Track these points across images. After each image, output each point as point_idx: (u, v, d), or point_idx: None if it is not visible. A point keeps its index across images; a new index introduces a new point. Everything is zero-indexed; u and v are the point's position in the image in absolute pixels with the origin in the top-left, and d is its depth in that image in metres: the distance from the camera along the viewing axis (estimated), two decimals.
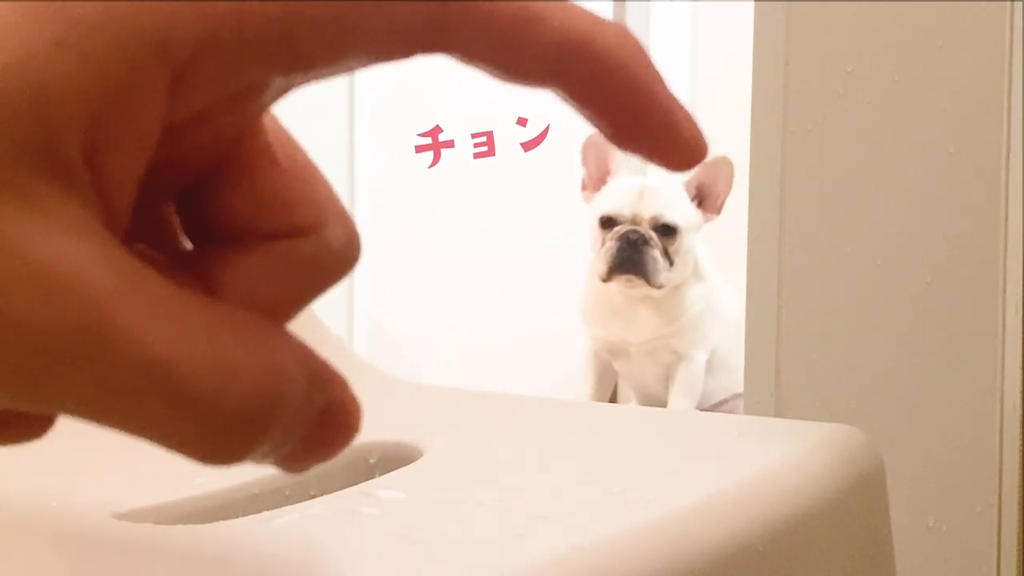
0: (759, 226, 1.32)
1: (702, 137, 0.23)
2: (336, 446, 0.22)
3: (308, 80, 0.21)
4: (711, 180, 2.12)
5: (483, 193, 3.00)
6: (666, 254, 2.11)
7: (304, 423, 0.21)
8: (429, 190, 2.93)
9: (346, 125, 2.79)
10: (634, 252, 2.09)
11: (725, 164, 2.11)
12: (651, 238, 2.10)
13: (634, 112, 0.22)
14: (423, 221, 2.96)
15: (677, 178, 2.12)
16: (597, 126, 0.23)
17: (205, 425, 0.19)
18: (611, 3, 2.79)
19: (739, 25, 1.83)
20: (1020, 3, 1.18)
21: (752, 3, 1.34)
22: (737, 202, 1.46)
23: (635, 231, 2.10)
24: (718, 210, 2.13)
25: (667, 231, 2.10)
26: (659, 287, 2.12)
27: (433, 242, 2.97)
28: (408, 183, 2.91)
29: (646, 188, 2.12)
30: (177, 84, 0.19)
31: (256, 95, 0.21)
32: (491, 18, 0.21)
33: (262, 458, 0.21)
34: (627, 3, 2.75)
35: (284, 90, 0.21)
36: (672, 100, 0.22)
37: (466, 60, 0.21)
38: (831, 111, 1.28)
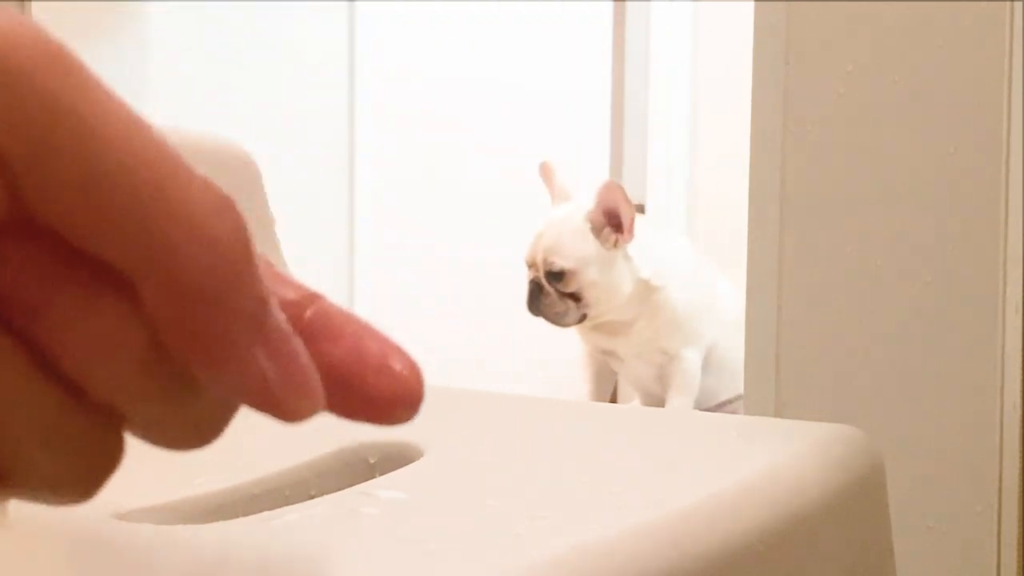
0: (759, 226, 1.32)
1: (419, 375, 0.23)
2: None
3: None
4: (612, 204, 2.11)
5: (483, 194, 3.00)
6: (569, 295, 2.11)
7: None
8: (429, 190, 2.93)
9: (346, 125, 2.79)
10: (534, 301, 2.12)
11: (616, 187, 2.11)
12: (543, 286, 2.11)
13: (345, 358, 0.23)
14: (423, 221, 2.96)
15: (579, 212, 2.12)
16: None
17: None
18: (611, 3, 2.79)
19: (739, 25, 1.83)
20: (1020, 3, 1.18)
21: (752, 3, 1.34)
22: (737, 202, 1.46)
23: (533, 280, 2.13)
24: (630, 231, 2.12)
25: (559, 275, 2.11)
26: (569, 326, 2.14)
27: (433, 242, 2.97)
28: (408, 183, 2.90)
29: (542, 232, 2.13)
30: None
31: None
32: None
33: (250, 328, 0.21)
34: (627, 3, 2.75)
35: None
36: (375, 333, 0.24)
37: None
38: (831, 111, 1.28)
